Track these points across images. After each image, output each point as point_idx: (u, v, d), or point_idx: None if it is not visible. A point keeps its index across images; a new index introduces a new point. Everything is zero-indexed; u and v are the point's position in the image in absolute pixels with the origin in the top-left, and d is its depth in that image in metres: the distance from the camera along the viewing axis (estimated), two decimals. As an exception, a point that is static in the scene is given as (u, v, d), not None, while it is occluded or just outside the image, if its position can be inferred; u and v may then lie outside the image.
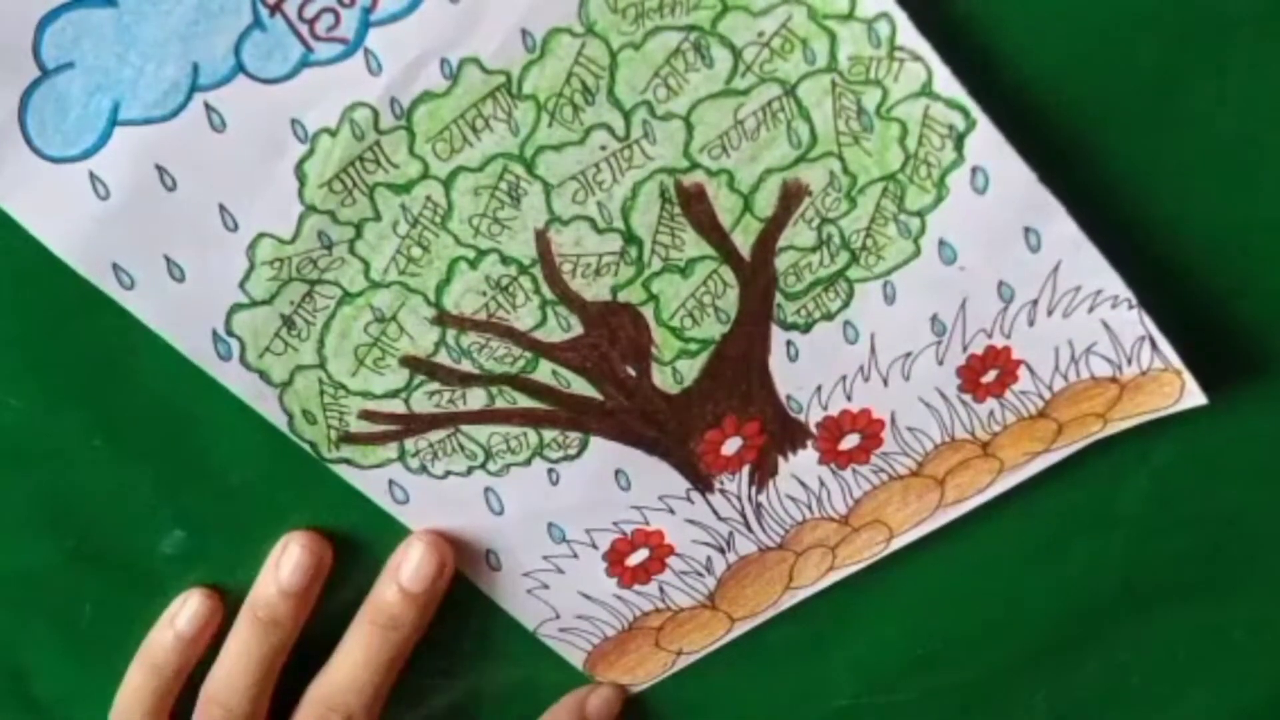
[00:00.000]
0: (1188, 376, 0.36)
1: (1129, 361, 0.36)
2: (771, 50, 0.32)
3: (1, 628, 0.39)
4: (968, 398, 0.37)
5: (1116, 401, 0.37)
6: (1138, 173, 0.34)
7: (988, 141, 0.33)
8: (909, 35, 0.31)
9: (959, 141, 0.33)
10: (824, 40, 0.32)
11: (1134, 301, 0.35)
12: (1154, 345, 0.36)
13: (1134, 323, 0.35)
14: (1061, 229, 0.34)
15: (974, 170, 0.33)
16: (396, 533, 0.38)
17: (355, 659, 0.39)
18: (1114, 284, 0.35)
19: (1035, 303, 0.36)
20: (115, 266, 0.33)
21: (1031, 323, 0.36)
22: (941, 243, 0.35)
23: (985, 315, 0.36)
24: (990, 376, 0.37)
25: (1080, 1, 0.32)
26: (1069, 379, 0.37)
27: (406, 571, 0.38)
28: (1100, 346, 0.36)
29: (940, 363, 0.37)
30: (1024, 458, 0.39)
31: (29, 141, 0.31)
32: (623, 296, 0.35)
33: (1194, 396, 0.36)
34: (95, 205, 0.32)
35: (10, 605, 0.39)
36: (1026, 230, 0.34)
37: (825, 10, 0.31)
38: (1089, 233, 0.34)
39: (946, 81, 0.32)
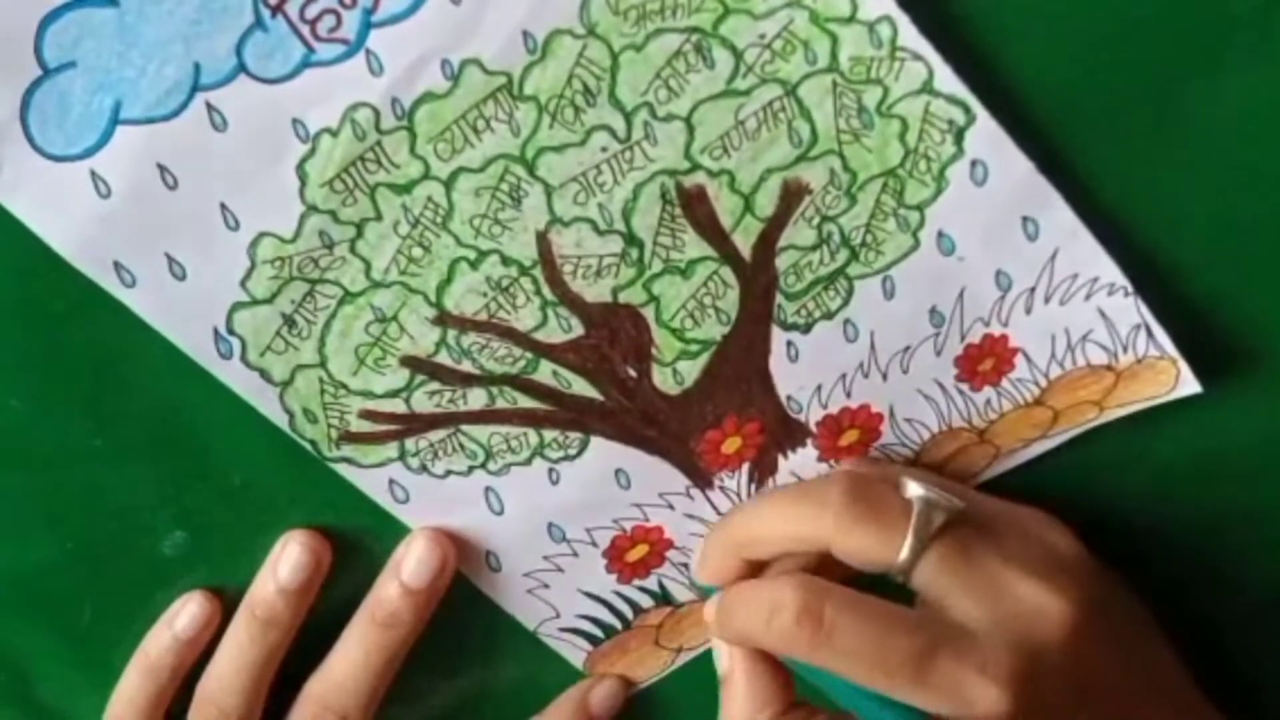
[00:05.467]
0: (1183, 365, 0.36)
1: (1125, 349, 0.37)
2: (773, 52, 0.32)
3: (1, 628, 0.39)
4: (965, 386, 0.38)
5: (1112, 389, 0.38)
6: (1135, 166, 0.34)
7: (987, 135, 0.33)
8: (910, 36, 0.32)
9: (959, 136, 0.33)
10: (825, 42, 0.32)
11: (1130, 289, 0.35)
12: (1150, 333, 0.36)
13: (1130, 310, 0.36)
14: (1059, 217, 0.34)
15: (973, 163, 0.34)
16: (396, 532, 0.38)
17: (353, 657, 0.39)
18: (1110, 272, 0.35)
19: (1033, 291, 0.36)
20: (117, 264, 0.33)
21: (1029, 310, 0.36)
22: (940, 234, 0.35)
23: (983, 304, 0.36)
24: (987, 365, 0.37)
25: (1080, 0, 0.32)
26: (1065, 367, 0.37)
27: (408, 567, 0.38)
28: (1096, 334, 0.36)
29: (938, 353, 0.37)
30: (1020, 444, 0.39)
31: (31, 140, 0.31)
32: (623, 298, 0.35)
33: (1189, 385, 0.37)
34: (97, 204, 0.32)
35: (10, 605, 0.38)
36: (1025, 220, 0.34)
37: (827, 14, 0.32)
38: (1086, 225, 0.34)
39: (947, 79, 0.32)
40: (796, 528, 0.36)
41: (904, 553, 0.34)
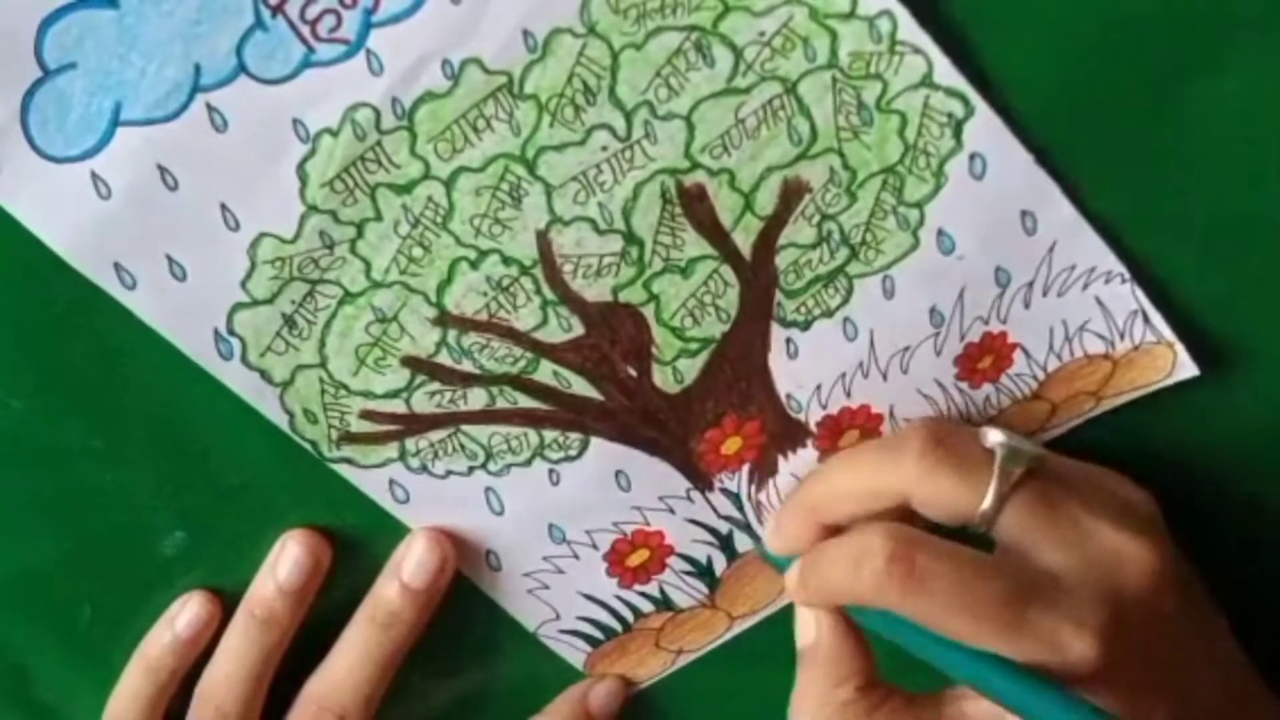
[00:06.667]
0: (1180, 348, 0.36)
1: (1122, 336, 0.37)
2: (772, 49, 0.32)
3: (1, 628, 0.39)
4: (964, 385, 0.38)
5: (1109, 378, 0.38)
6: (1134, 165, 0.34)
7: (986, 127, 0.33)
8: (910, 30, 0.32)
9: (958, 129, 0.33)
10: (825, 38, 0.32)
11: (1127, 276, 0.35)
12: (1146, 319, 0.36)
13: (1126, 297, 0.36)
14: (1057, 210, 0.34)
15: (972, 157, 0.34)
16: (396, 532, 0.38)
17: (352, 657, 0.39)
18: (1107, 260, 0.35)
19: (1031, 285, 0.36)
20: (117, 266, 0.33)
21: (1027, 305, 0.36)
22: (940, 233, 0.35)
23: (982, 302, 0.36)
24: (986, 362, 0.37)
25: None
26: (1063, 359, 0.37)
27: (408, 567, 0.38)
28: (1094, 323, 0.37)
29: (938, 353, 0.37)
30: None
31: (31, 141, 0.31)
32: (624, 297, 0.35)
33: (1186, 368, 0.37)
34: (97, 205, 0.32)
35: (10, 605, 0.38)
36: (1023, 214, 0.35)
37: (826, 10, 0.32)
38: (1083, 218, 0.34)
39: (946, 71, 0.32)
40: (874, 478, 0.35)
41: (988, 500, 0.33)
